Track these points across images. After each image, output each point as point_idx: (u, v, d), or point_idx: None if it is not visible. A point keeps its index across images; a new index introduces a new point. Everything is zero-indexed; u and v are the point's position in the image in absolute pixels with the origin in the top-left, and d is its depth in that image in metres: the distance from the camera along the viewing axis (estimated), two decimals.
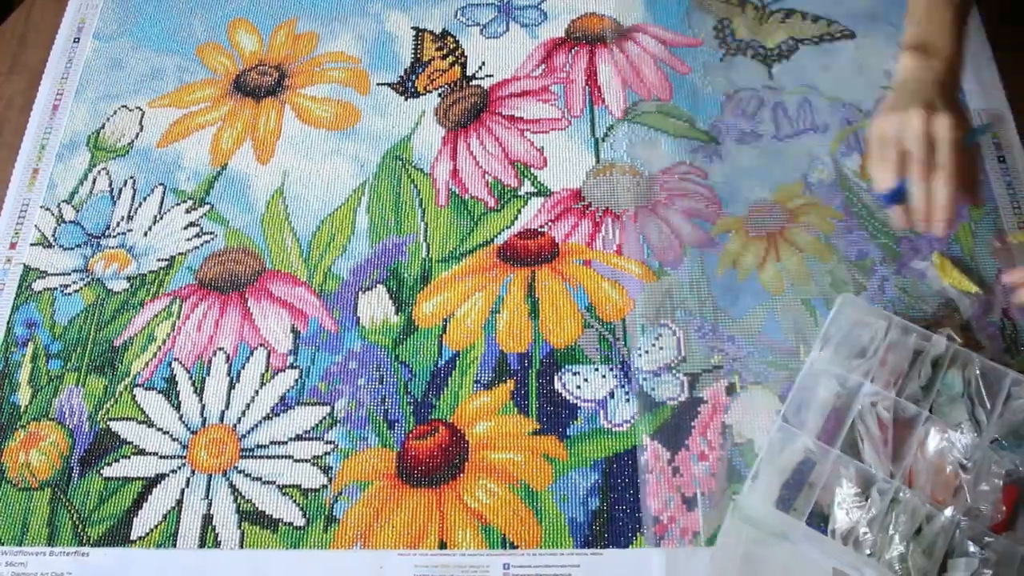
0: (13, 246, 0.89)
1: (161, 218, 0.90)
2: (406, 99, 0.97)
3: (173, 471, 0.77)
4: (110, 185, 0.92)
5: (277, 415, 0.79)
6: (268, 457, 0.77)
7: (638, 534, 0.73)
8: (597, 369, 0.80)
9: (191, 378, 0.81)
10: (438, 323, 0.83)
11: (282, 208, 0.90)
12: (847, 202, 0.88)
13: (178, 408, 0.80)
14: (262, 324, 0.84)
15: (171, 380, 0.81)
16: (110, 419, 0.79)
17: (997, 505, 0.69)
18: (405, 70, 0.99)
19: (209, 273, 0.87)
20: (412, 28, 1.03)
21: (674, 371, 0.80)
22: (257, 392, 0.80)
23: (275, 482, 0.76)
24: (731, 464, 0.76)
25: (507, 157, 0.93)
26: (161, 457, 0.78)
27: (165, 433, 0.79)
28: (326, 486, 0.76)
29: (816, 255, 0.85)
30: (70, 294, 0.86)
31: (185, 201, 0.91)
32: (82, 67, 1.01)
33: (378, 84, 0.98)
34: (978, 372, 0.73)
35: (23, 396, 0.81)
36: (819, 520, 0.70)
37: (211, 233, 0.89)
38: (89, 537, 0.75)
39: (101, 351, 0.83)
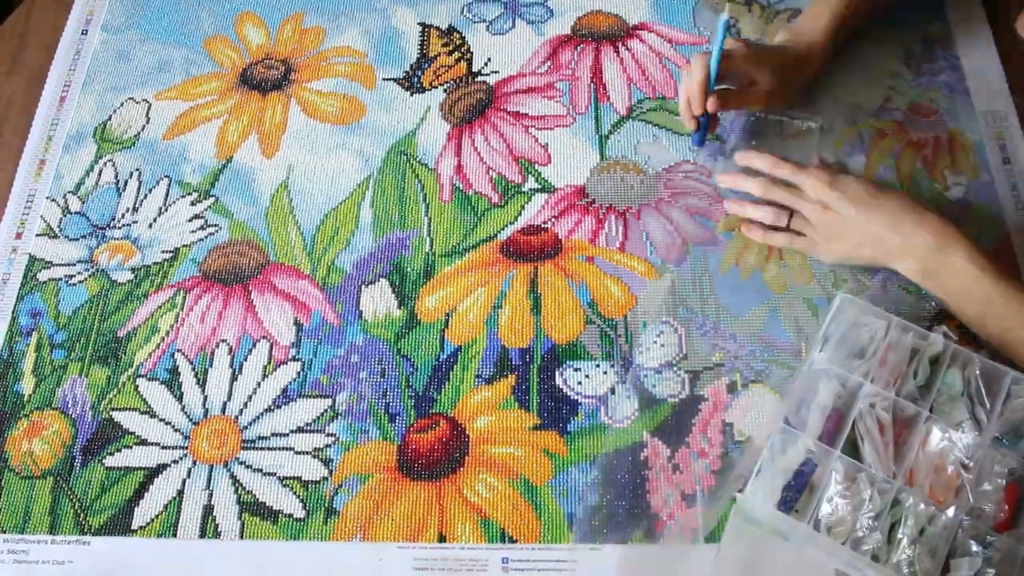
0: (19, 236, 0.90)
1: (166, 210, 0.91)
2: (411, 94, 0.97)
3: (175, 461, 0.77)
4: (116, 177, 0.93)
5: (279, 407, 0.80)
6: (269, 449, 0.78)
7: (637, 530, 0.73)
8: (598, 365, 0.81)
9: (194, 369, 0.81)
10: (440, 318, 0.83)
11: (286, 201, 0.91)
12: None
13: (180, 399, 0.80)
14: (265, 316, 0.84)
15: (174, 371, 0.82)
16: (113, 409, 0.80)
17: (999, 504, 0.69)
18: (411, 65, 1.00)
19: (213, 265, 0.87)
20: (418, 24, 1.03)
21: (675, 368, 0.80)
22: (259, 384, 0.81)
23: (276, 474, 0.77)
24: (731, 462, 0.76)
25: (511, 153, 0.93)
26: (163, 447, 0.78)
27: (167, 424, 0.79)
28: (327, 478, 0.76)
29: None
30: (75, 284, 0.86)
31: (190, 193, 0.92)
32: (90, 59, 1.01)
33: (384, 79, 0.99)
34: (978, 371, 0.73)
35: (27, 385, 0.81)
36: None
37: (215, 225, 0.90)
38: (90, 526, 0.75)
39: (105, 341, 0.83)
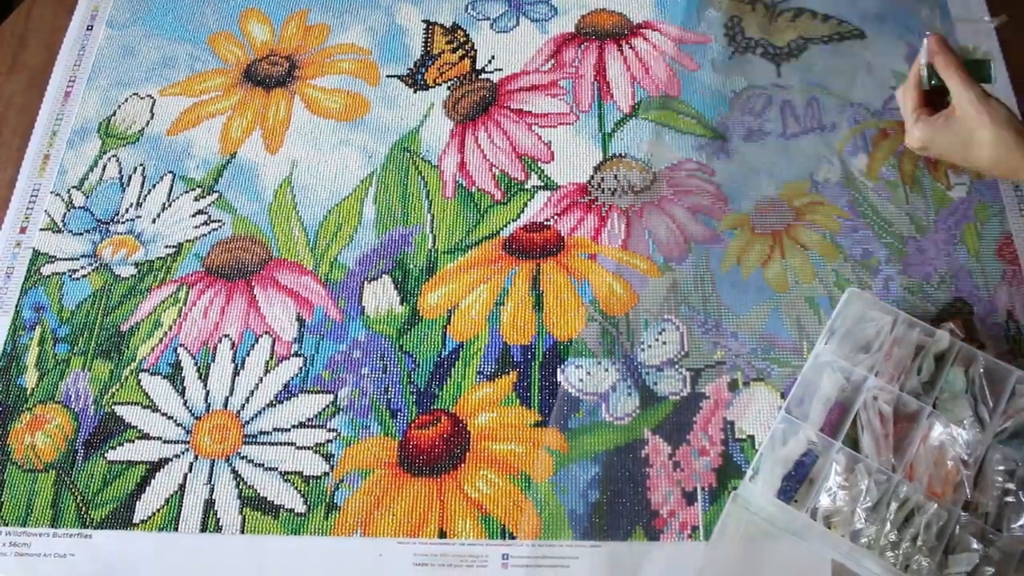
0: (23, 230, 0.90)
1: (170, 205, 0.91)
2: (415, 91, 0.98)
3: (176, 456, 0.78)
4: (120, 172, 0.93)
5: (281, 402, 0.80)
6: (271, 444, 0.78)
7: (637, 527, 0.73)
8: (600, 363, 0.81)
9: (196, 364, 0.82)
10: (442, 314, 0.84)
11: (290, 197, 0.91)
12: (853, 201, 0.88)
13: (183, 394, 0.80)
14: (268, 312, 0.84)
15: (176, 366, 0.82)
16: (115, 403, 0.80)
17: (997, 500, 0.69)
18: (415, 63, 1.00)
19: (216, 260, 0.87)
20: (422, 21, 1.03)
21: (677, 366, 0.80)
22: (261, 379, 0.81)
23: (277, 468, 0.77)
24: (732, 460, 0.76)
25: (514, 151, 0.93)
26: (165, 442, 0.78)
27: (169, 418, 0.79)
28: (328, 473, 0.77)
29: (821, 253, 0.85)
30: (78, 279, 0.87)
31: (194, 189, 0.92)
32: (95, 55, 1.02)
33: (388, 76, 0.99)
34: (982, 370, 0.73)
35: (30, 379, 0.82)
36: None
37: (219, 221, 0.90)
38: (92, 519, 0.75)
39: (108, 336, 0.83)
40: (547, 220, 0.88)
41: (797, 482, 0.71)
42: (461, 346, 0.82)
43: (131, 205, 0.91)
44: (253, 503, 0.76)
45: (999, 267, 0.84)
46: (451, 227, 0.88)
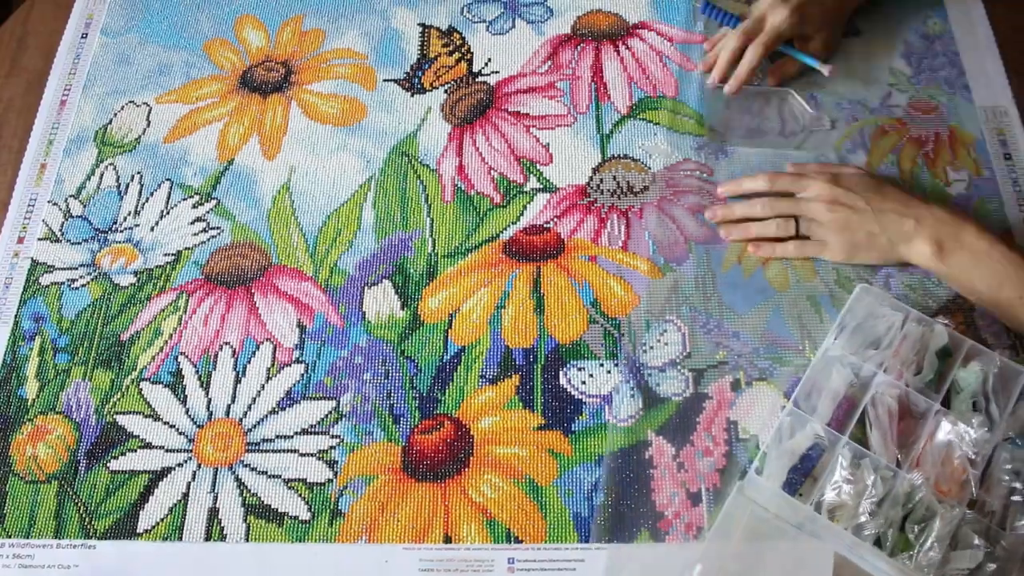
0: (21, 240, 0.90)
1: (168, 213, 0.91)
2: (412, 95, 0.97)
3: (179, 465, 0.77)
4: (117, 180, 0.93)
5: (283, 409, 0.80)
6: (274, 451, 0.78)
7: (642, 529, 0.73)
8: (602, 365, 0.81)
9: (197, 372, 0.81)
10: (444, 318, 0.83)
11: (288, 203, 0.91)
12: None
13: (184, 402, 0.80)
14: (268, 319, 0.84)
15: (177, 374, 0.81)
16: (117, 413, 0.80)
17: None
18: (411, 66, 1.00)
19: (215, 268, 0.87)
20: (418, 25, 1.03)
21: (679, 367, 0.80)
22: (263, 386, 0.81)
23: (281, 476, 0.77)
24: (736, 460, 0.76)
25: (513, 153, 0.93)
26: (167, 451, 0.78)
27: (171, 427, 0.79)
28: (331, 480, 0.76)
29: None
30: (77, 288, 0.86)
31: (192, 196, 0.92)
32: (90, 63, 1.01)
33: (384, 80, 0.99)
34: (996, 369, 0.73)
35: (30, 390, 0.81)
36: None
37: (217, 228, 0.90)
38: (96, 530, 0.75)
39: (108, 345, 0.83)
40: (547, 222, 0.88)
41: (803, 475, 0.72)
42: (463, 350, 0.82)
43: (129, 213, 0.91)
44: (257, 511, 0.75)
45: None
46: (451, 231, 0.88)
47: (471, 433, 0.78)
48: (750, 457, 0.75)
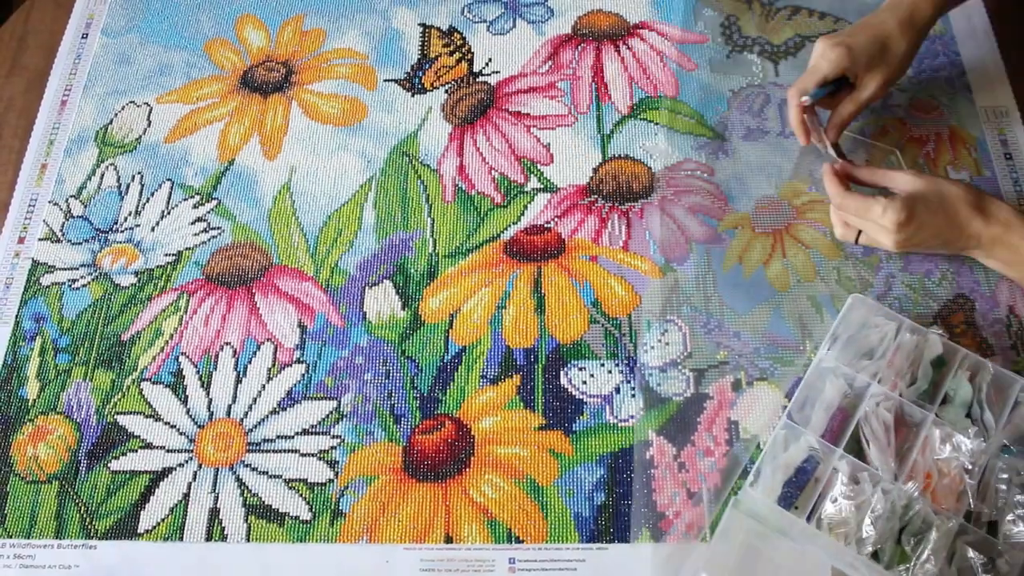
0: (21, 241, 0.90)
1: (168, 213, 0.91)
2: (413, 95, 0.97)
3: (180, 465, 0.77)
4: (118, 180, 0.93)
5: (284, 409, 0.80)
6: (275, 451, 0.78)
7: (643, 529, 0.73)
8: (603, 364, 0.81)
9: (198, 372, 0.81)
10: (444, 318, 0.83)
11: (289, 203, 0.91)
12: None
13: (185, 402, 0.80)
14: (269, 319, 0.84)
15: (178, 374, 0.81)
16: (117, 413, 0.80)
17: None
18: (412, 66, 1.00)
19: (216, 268, 0.87)
20: (419, 24, 1.03)
21: (680, 367, 0.80)
22: (264, 387, 0.81)
23: (282, 476, 0.77)
24: (736, 460, 0.76)
25: (513, 153, 0.93)
26: (168, 451, 0.78)
27: (172, 427, 0.79)
28: (332, 480, 0.76)
29: (822, 252, 0.85)
30: (78, 288, 0.86)
31: (193, 196, 0.92)
32: (90, 63, 1.01)
33: (385, 80, 0.99)
34: (989, 378, 0.73)
35: (31, 390, 0.81)
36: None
37: (218, 228, 0.90)
38: (97, 530, 0.75)
39: (109, 345, 0.83)
40: (548, 222, 0.88)
41: (798, 488, 0.71)
42: (464, 350, 0.82)
43: (130, 214, 0.91)
44: (258, 511, 0.75)
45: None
46: (451, 231, 0.88)
47: (472, 433, 0.78)
48: (751, 457, 0.75)
